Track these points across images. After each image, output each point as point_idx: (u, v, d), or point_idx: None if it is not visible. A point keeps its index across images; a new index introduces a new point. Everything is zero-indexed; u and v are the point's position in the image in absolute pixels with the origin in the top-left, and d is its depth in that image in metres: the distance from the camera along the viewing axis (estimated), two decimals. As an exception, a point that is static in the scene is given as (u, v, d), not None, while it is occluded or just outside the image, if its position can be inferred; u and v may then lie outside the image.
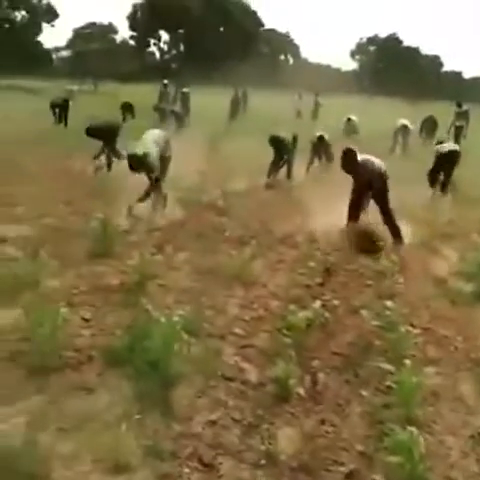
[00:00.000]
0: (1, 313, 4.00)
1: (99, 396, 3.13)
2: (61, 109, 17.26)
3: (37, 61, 51.77)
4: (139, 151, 6.89)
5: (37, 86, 37.61)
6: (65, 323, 3.56)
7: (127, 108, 19.80)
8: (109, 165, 10.02)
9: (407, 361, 3.32)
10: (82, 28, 64.12)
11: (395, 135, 15.02)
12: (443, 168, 9.57)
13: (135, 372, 3.31)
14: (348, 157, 6.41)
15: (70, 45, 64.28)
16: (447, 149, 9.72)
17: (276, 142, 10.05)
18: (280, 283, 5.13)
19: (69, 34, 74.59)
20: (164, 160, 7.25)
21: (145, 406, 3.03)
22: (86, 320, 4.06)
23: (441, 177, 9.66)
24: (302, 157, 10.92)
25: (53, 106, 17.38)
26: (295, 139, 10.36)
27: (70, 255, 5.34)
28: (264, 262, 5.66)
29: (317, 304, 4.26)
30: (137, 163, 6.88)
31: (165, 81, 21.40)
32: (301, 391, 3.30)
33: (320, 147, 11.26)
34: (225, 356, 3.67)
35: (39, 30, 55.37)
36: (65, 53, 65.47)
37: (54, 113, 17.42)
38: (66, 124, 16.99)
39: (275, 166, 10.07)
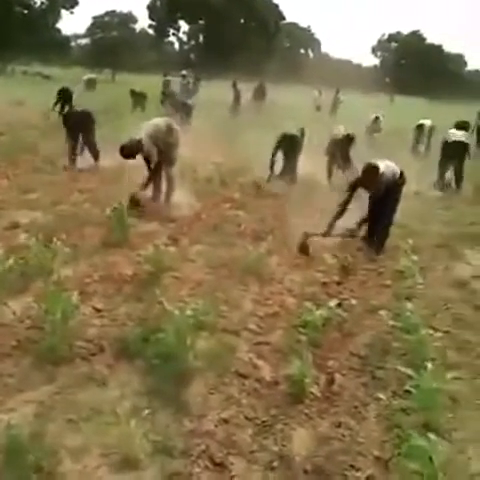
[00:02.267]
0: (12, 300, 3.94)
1: (109, 388, 3.06)
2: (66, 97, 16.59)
3: (55, 48, 51.75)
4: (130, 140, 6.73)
5: (54, 73, 37.76)
6: (77, 312, 3.49)
7: (138, 97, 19.71)
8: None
9: (427, 365, 3.20)
10: (101, 16, 64.01)
11: (417, 134, 14.70)
12: (450, 160, 9.38)
13: (147, 365, 3.23)
14: (371, 174, 5.72)
15: (89, 33, 64.25)
16: (452, 139, 9.56)
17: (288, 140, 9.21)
18: (296, 280, 5.02)
19: (88, 22, 74.76)
20: (168, 146, 7.07)
21: (156, 400, 2.95)
22: (98, 310, 3.99)
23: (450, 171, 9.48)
24: (314, 153, 10.36)
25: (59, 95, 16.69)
26: (302, 134, 9.63)
27: (83, 243, 5.29)
28: (280, 258, 5.56)
29: (334, 303, 4.15)
30: (128, 150, 6.72)
31: (184, 72, 21.32)
32: (316, 391, 3.20)
33: (347, 147, 9.86)
34: (239, 352, 3.58)
35: (58, 17, 55.24)
36: (84, 41, 65.46)
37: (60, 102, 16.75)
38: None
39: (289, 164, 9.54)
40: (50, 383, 3.05)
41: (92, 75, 30.54)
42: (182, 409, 2.92)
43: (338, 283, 5.00)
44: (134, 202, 6.51)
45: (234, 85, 21.80)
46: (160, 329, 3.34)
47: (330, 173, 9.58)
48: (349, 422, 3.02)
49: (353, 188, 5.82)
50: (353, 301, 4.54)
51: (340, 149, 9.56)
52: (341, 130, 9.82)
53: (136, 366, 3.27)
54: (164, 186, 7.20)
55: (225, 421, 2.86)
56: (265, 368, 3.43)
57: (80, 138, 9.20)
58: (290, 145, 9.19)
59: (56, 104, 15.24)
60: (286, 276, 5.09)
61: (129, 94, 20.25)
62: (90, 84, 27.08)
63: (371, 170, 5.74)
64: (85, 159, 9.25)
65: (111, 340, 3.53)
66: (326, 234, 5.78)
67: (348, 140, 9.66)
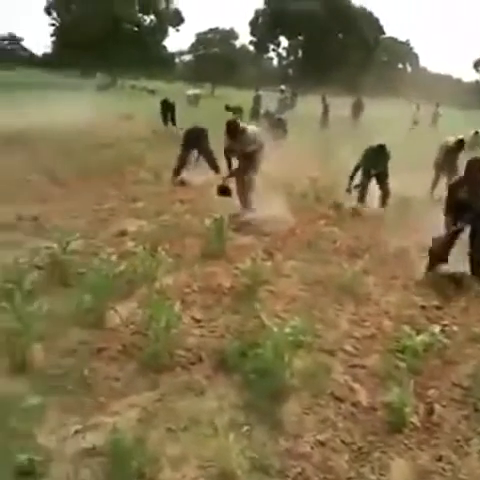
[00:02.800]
0: (119, 305, 4.15)
1: (207, 399, 3.13)
2: (168, 110, 16.63)
3: (161, 64, 54.30)
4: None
5: (159, 87, 39.52)
6: (178, 321, 3.62)
7: (233, 112, 20.10)
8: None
9: None
10: (204, 33, 66.21)
11: None
12: None
13: (244, 379, 3.28)
14: None
15: (192, 49, 66.63)
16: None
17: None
18: (393, 301, 4.88)
19: (192, 39, 77.57)
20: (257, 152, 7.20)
21: (253, 416, 2.98)
22: (197, 320, 4.11)
23: None
24: (414, 167, 10.01)
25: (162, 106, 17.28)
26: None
27: (184, 253, 5.47)
28: (376, 277, 5.43)
29: (435, 328, 4.00)
30: (234, 126, 6.98)
31: (282, 87, 21.54)
32: (416, 421, 3.09)
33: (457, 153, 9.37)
34: (335, 374, 3.53)
35: (165, 34, 57.98)
36: (187, 57, 68.01)
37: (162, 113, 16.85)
38: (174, 124, 16.25)
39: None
40: (153, 389, 3.18)
41: (197, 91, 31.74)
42: (278, 427, 2.93)
43: (438, 308, 4.81)
44: (222, 190, 6.93)
45: (323, 99, 21.74)
46: (258, 344, 3.38)
47: (435, 184, 9.35)
48: (450, 456, 2.89)
49: (453, 196, 5.32)
50: (454, 328, 4.35)
51: (450, 156, 9.35)
52: (452, 139, 9.57)
53: (234, 379, 3.32)
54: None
55: (321, 444, 2.84)
56: (361, 392, 3.37)
57: (193, 152, 9.82)
58: (377, 159, 8.74)
59: (165, 118, 15.98)
60: (382, 297, 4.96)
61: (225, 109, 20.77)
62: (194, 99, 28.28)
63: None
64: (195, 172, 9.69)
65: (209, 351, 3.61)
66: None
67: (460, 146, 9.41)
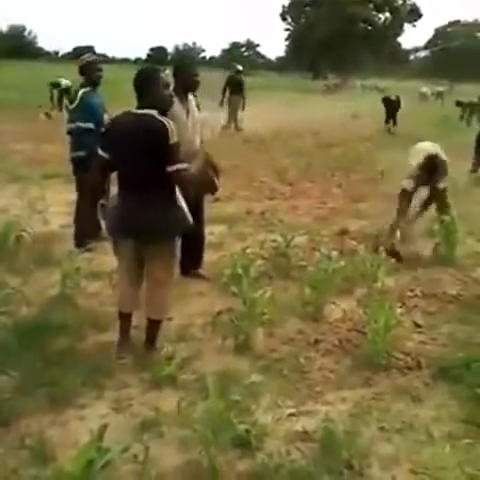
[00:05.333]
0: (337, 301, 4.20)
1: (424, 406, 2.98)
2: (389, 108, 16.10)
3: (393, 62, 53.13)
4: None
5: (391, 86, 38.62)
6: (398, 324, 3.51)
7: (466, 108, 18.60)
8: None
9: None
10: (444, 27, 62.66)
11: None
12: None
13: (467, 392, 3.04)
14: None
15: (429, 45, 63.62)
16: None
17: None
18: None
19: (429, 34, 74.03)
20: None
21: (474, 431, 2.75)
22: (418, 325, 3.94)
23: None
24: None
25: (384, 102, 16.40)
26: None
27: (408, 256, 5.26)
28: None
29: None
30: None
31: None
32: None
33: None
34: None
35: (400, 31, 56.42)
36: (422, 53, 65.18)
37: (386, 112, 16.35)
38: (394, 123, 15.98)
39: None
40: (367, 387, 3.14)
41: (439, 88, 30.71)
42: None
43: None
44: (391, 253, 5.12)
45: None
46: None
47: None
48: None
49: None
50: None
51: None
52: None
53: (454, 390, 3.10)
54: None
55: None
56: None
57: None
58: None
59: (388, 116, 15.66)
60: None
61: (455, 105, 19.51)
62: (437, 96, 27.56)
63: None
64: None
65: (429, 358, 3.43)
66: None
67: None
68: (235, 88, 14.68)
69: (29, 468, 2.40)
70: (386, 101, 16.03)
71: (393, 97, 16.20)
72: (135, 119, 3.18)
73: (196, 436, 2.46)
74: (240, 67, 15.57)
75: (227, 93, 14.78)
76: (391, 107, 15.92)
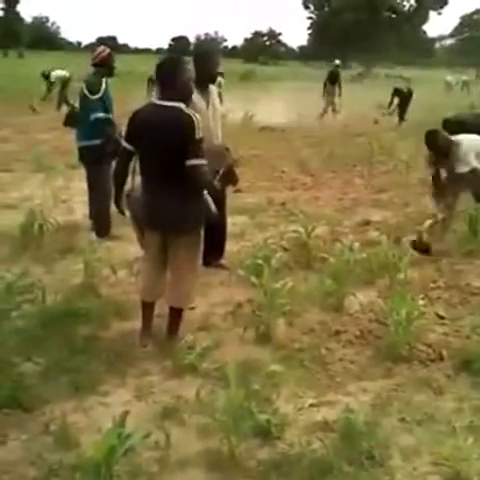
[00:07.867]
0: (358, 292, 4.17)
1: (445, 398, 2.96)
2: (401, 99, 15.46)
3: (418, 50, 52.25)
4: None
5: (416, 75, 38.04)
6: (420, 315, 3.48)
7: None
8: None
9: None
10: (470, 15, 61.33)
11: None
12: None
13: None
14: None
15: (455, 33, 62.39)
16: None
17: None
18: None
19: (455, 22, 72.55)
20: None
21: (496, 424, 2.73)
22: (440, 317, 3.90)
23: None
24: None
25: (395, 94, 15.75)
26: None
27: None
28: None
29: None
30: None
31: None
32: None
33: None
34: None
35: (426, 19, 55.37)
36: (448, 42, 63.97)
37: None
38: (402, 118, 15.21)
39: None
40: (388, 378, 3.13)
41: (463, 77, 30.15)
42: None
43: None
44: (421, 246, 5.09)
45: None
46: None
47: None
48: None
49: None
50: None
51: None
52: None
53: (477, 383, 3.08)
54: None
55: None
56: None
57: None
58: None
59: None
60: None
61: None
62: (463, 85, 27.10)
63: None
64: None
65: (452, 350, 3.40)
66: None
67: None
68: (334, 80, 17.01)
69: (53, 453, 2.45)
70: (397, 92, 15.63)
71: (404, 89, 15.76)
72: (161, 111, 3.14)
73: (216, 424, 2.48)
74: (338, 61, 18.28)
75: (328, 85, 17.00)
76: (402, 99, 15.50)
